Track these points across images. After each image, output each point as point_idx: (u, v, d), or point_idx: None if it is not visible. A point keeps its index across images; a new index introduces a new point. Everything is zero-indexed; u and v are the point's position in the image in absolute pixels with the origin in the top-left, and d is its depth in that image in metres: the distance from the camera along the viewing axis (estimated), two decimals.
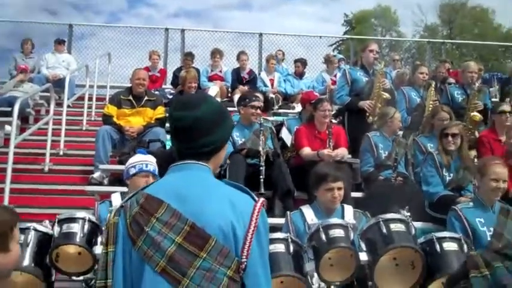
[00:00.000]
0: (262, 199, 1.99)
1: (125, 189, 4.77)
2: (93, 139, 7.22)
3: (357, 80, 7.23)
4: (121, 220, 1.98)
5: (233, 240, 1.88)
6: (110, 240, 1.99)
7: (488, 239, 4.23)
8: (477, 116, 7.11)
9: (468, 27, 36.82)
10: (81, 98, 10.12)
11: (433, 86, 7.52)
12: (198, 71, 10.17)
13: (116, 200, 4.32)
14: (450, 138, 5.71)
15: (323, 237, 3.65)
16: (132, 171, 4.33)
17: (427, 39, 20.13)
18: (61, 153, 8.03)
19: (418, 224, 4.27)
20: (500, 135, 6.55)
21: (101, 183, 6.61)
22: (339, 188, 4.33)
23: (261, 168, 5.79)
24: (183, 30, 14.41)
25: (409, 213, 5.25)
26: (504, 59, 30.09)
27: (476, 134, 7.06)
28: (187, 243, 1.87)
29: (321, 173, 4.42)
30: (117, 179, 6.38)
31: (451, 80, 9.37)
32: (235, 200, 1.95)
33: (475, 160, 5.96)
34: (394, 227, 3.74)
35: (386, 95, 7.00)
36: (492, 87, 10.51)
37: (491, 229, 4.28)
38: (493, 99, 9.59)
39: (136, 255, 1.91)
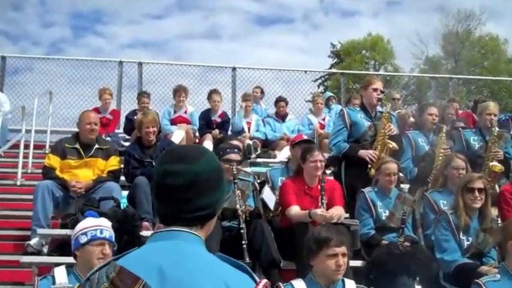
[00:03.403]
0: (264, 281, 1.90)
1: (70, 260, 4.61)
2: (31, 197, 7.00)
3: (358, 123, 7.05)
4: None
5: None
6: None
7: None
8: (498, 166, 7.11)
9: (476, 59, 37.57)
10: (16, 146, 9.94)
11: (444, 130, 7.50)
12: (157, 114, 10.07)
13: (60, 276, 4.14)
14: (477, 193, 5.68)
15: None
16: (83, 239, 4.19)
17: (431, 75, 20.26)
18: None
19: None
20: None
21: (39, 252, 6.37)
22: (344, 254, 4.29)
23: (242, 231, 5.69)
24: (140, 64, 14.33)
25: (420, 286, 5.17)
26: None
27: (497, 188, 7.05)
28: None
29: (321, 237, 4.36)
30: (59, 247, 6.18)
31: (460, 123, 9.45)
32: (232, 284, 1.84)
33: (498, 220, 5.93)
34: None
35: (393, 145, 6.85)
36: (511, 131, 10.63)
37: None
38: None
39: None
